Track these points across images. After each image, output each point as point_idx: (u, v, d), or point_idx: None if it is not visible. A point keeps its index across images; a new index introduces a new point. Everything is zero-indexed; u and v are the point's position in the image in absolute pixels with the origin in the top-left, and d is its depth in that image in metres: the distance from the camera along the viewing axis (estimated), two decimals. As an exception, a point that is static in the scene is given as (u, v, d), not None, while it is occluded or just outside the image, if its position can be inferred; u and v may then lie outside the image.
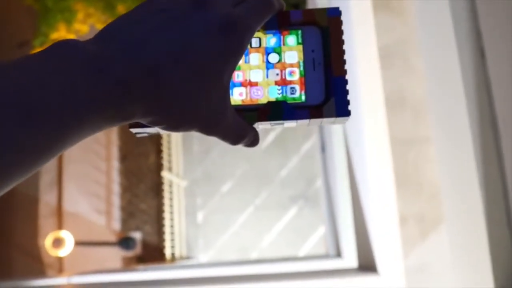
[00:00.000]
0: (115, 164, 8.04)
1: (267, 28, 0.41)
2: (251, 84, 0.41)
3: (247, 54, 0.41)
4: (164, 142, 7.60)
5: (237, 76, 0.41)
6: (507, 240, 0.90)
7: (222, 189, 8.14)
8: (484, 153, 1.01)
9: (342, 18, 0.41)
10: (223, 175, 8.11)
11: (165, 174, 7.33)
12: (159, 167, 7.97)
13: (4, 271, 4.83)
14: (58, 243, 4.21)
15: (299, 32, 0.41)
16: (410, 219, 1.89)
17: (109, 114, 0.32)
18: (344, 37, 0.41)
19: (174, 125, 0.36)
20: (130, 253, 7.61)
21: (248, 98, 0.41)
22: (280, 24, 0.41)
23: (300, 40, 0.41)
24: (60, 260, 6.29)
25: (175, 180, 7.70)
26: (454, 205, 1.63)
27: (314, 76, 0.41)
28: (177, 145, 8.03)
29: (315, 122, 0.41)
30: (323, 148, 4.04)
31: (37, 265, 6.11)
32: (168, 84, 0.33)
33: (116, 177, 7.97)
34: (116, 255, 7.36)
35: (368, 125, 1.83)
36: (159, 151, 8.05)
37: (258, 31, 0.40)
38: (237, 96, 0.41)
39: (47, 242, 4.39)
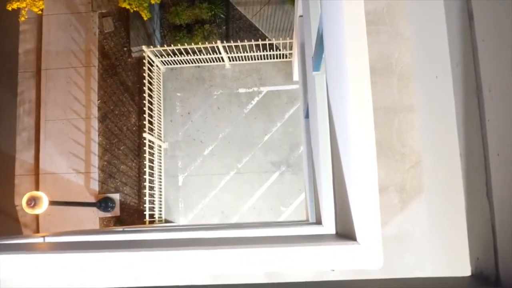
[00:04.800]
0: (95, 123, 7.90)
1: None
2: None
3: None
4: (146, 103, 7.47)
5: None
6: (484, 210, 0.88)
7: (204, 152, 8.10)
8: (467, 122, 0.98)
9: None
10: (205, 138, 8.07)
11: (146, 135, 7.24)
12: (140, 128, 7.87)
13: (-20, 229, 4.77)
14: (34, 202, 4.15)
15: None
16: (391, 187, 1.88)
17: None
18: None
19: None
20: (108, 214, 7.59)
21: None
22: None
23: None
24: (36, 219, 6.24)
25: (156, 142, 7.62)
26: (435, 173, 1.62)
27: None
28: (159, 107, 7.91)
29: None
30: (306, 115, 3.99)
31: (14, 224, 6.05)
32: None
33: (95, 137, 7.85)
34: (94, 216, 7.33)
35: (352, 92, 1.78)
36: (140, 112, 7.92)
37: None
38: None
39: (23, 201, 4.33)
